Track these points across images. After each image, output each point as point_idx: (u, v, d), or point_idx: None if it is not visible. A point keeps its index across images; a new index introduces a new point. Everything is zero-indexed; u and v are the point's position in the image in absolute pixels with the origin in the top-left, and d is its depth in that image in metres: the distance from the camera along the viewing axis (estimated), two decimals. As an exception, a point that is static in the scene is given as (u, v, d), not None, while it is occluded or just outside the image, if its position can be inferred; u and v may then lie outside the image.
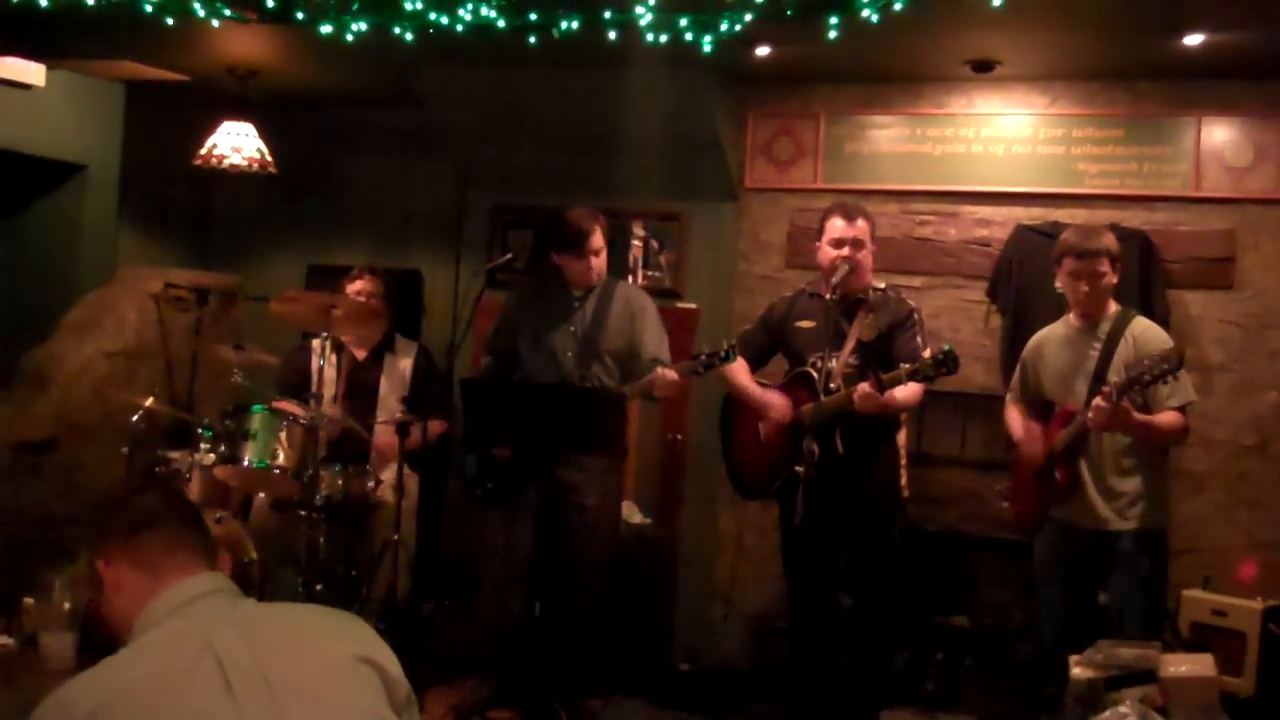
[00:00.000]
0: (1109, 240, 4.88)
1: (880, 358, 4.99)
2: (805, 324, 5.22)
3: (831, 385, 4.91)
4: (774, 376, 5.42)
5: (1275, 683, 5.11)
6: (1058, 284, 4.97)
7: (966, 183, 6.25)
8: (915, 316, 5.14)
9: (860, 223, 5.15)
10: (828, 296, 5.01)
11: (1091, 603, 4.90)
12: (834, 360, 4.98)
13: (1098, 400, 4.53)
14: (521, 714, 5.06)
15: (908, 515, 5.37)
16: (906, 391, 4.92)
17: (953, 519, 6.15)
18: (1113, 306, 4.89)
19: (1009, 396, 5.20)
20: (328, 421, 5.58)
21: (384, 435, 5.82)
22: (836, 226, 5.15)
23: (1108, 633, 4.51)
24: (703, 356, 5.03)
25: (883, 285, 5.28)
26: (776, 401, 5.12)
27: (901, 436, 5.29)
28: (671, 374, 5.08)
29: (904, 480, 5.25)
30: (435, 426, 5.84)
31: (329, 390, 5.81)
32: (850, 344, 5.07)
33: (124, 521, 2.26)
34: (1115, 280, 4.86)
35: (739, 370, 5.30)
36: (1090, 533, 4.75)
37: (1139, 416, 4.57)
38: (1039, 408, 5.02)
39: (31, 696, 1.98)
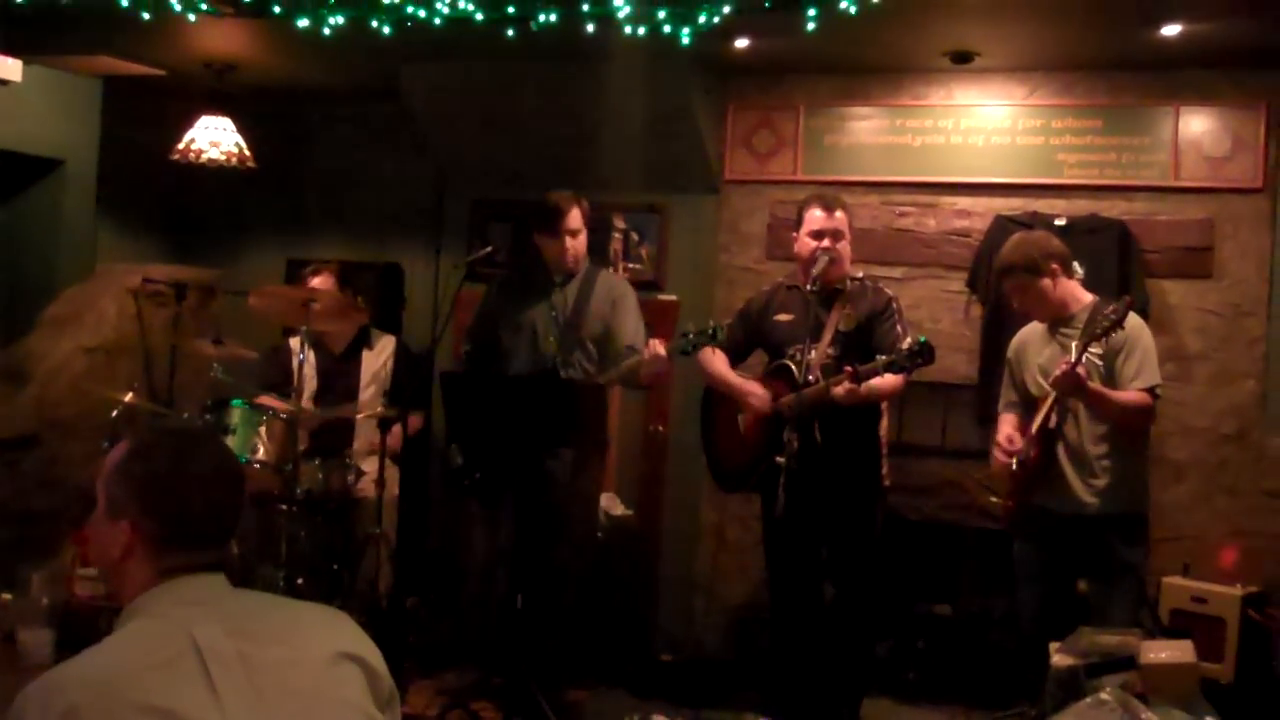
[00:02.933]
0: (1018, 253, 4.84)
1: (859, 348, 4.98)
2: (784, 317, 5.21)
3: (810, 377, 4.89)
4: (754, 370, 5.41)
5: (1254, 669, 5.15)
6: None
7: (946, 174, 6.26)
8: (894, 306, 5.12)
9: (839, 214, 5.12)
10: (807, 288, 4.98)
11: (1070, 590, 4.91)
12: (812, 352, 4.96)
13: (1062, 361, 4.56)
14: (504, 705, 5.05)
15: (889, 505, 5.38)
16: (885, 381, 4.90)
17: (934, 508, 6.16)
18: (1085, 297, 4.88)
19: (1001, 406, 5.18)
20: (309, 416, 5.57)
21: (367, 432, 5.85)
22: (816, 217, 5.12)
23: (1087, 620, 4.53)
24: (690, 335, 5.00)
25: (860, 275, 5.26)
26: (756, 391, 5.10)
27: (882, 426, 5.29)
28: (660, 349, 5.04)
29: (885, 470, 5.25)
30: (414, 421, 5.84)
31: (308, 386, 5.81)
32: (829, 335, 5.05)
33: (176, 523, 2.13)
34: (1051, 280, 4.80)
35: (717, 361, 5.28)
36: (1069, 519, 4.76)
37: (1094, 386, 4.59)
38: (1029, 406, 5.02)
39: (9, 692, 1.97)
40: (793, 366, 4.96)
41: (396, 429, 5.50)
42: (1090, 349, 4.60)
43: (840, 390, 4.76)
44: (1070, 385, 4.58)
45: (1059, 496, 4.78)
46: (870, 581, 5.17)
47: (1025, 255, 4.82)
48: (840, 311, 5.09)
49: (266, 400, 5.77)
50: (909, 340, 4.74)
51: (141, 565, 2.11)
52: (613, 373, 5.24)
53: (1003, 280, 4.90)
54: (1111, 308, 4.57)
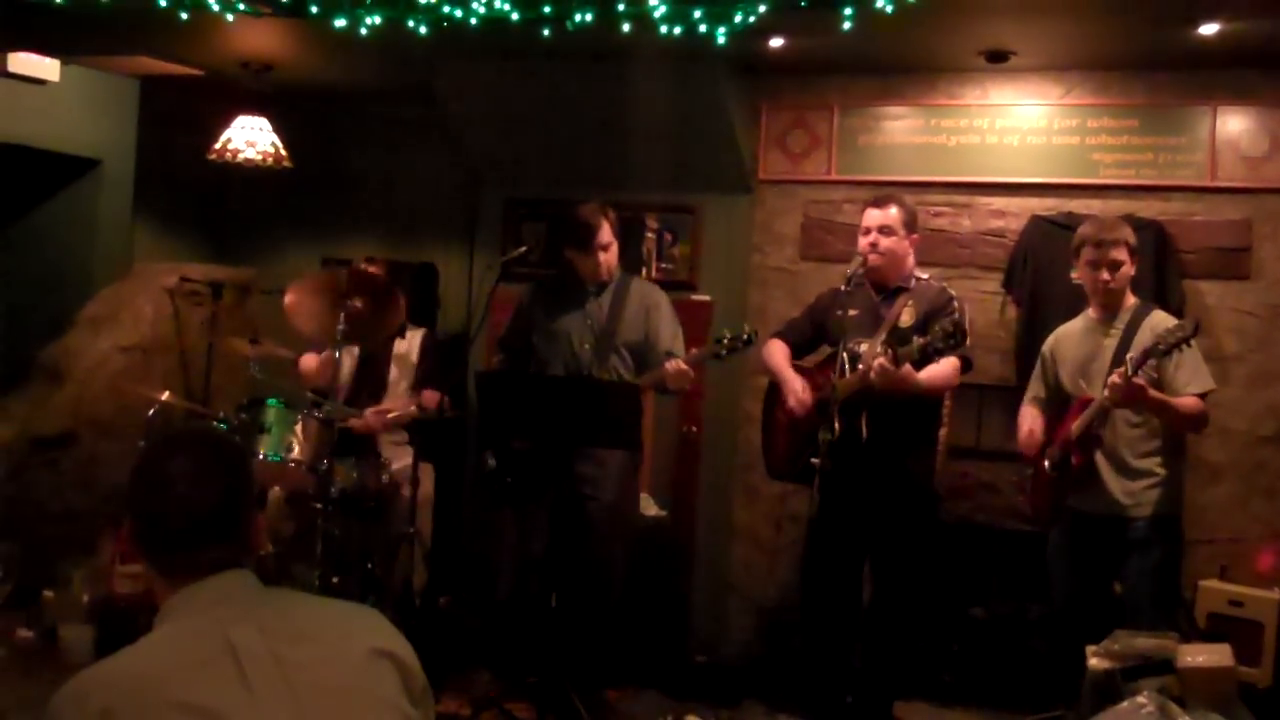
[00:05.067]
0: (1126, 230, 4.90)
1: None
2: (845, 312, 5.18)
3: (860, 366, 4.91)
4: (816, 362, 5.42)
5: (1292, 673, 5.11)
6: (1075, 275, 4.97)
7: (981, 174, 6.23)
8: (955, 305, 5.10)
9: (892, 210, 5.16)
10: (843, 288, 5.00)
11: (1106, 592, 4.89)
12: (864, 345, 4.99)
13: (1114, 375, 4.54)
14: (538, 706, 5.06)
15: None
16: (932, 371, 4.90)
17: (969, 510, 6.14)
18: (1131, 299, 4.90)
19: (1027, 397, 5.18)
20: (339, 412, 5.59)
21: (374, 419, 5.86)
22: (867, 215, 5.19)
23: (1123, 622, 4.51)
24: (724, 340, 5.05)
25: (925, 275, 5.27)
26: (796, 390, 5.12)
27: (941, 434, 5.28)
28: (681, 364, 5.09)
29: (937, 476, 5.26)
30: (430, 397, 5.81)
31: (343, 382, 5.82)
32: (885, 329, 5.05)
33: (149, 523, 2.13)
34: (1133, 271, 4.87)
35: (776, 352, 5.35)
36: (1105, 520, 4.75)
37: (1155, 394, 4.58)
38: (1058, 404, 5.01)
39: (51, 688, 1.98)
40: (843, 355, 4.96)
41: (430, 399, 5.62)
42: (1149, 363, 4.57)
43: (875, 368, 4.75)
44: (1130, 399, 4.57)
45: (1095, 498, 4.78)
46: (912, 586, 5.15)
47: (1133, 236, 4.90)
48: (902, 307, 5.08)
49: (305, 359, 5.94)
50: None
51: (147, 565, 2.14)
52: (641, 381, 5.28)
53: (1108, 248, 4.83)
54: (1179, 325, 4.53)
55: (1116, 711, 3.86)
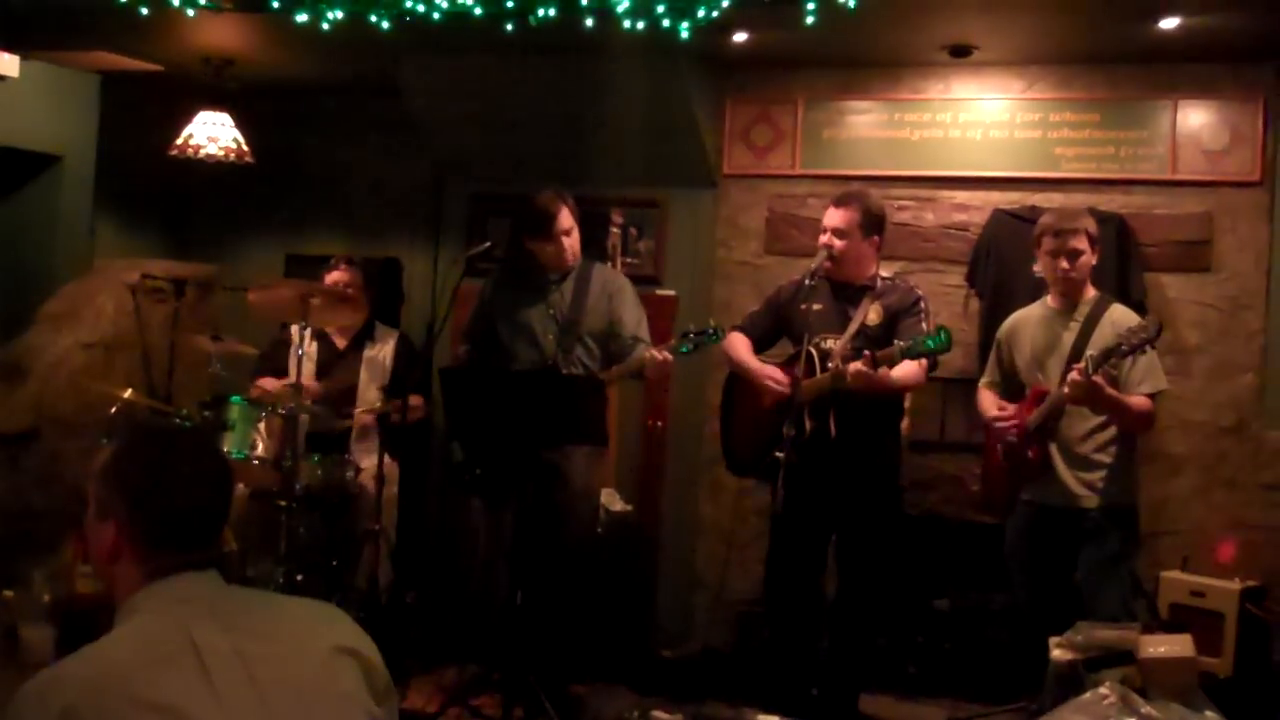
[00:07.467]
0: (1087, 220, 4.93)
1: (883, 343, 4.97)
2: (810, 307, 5.17)
3: (829, 365, 4.92)
4: (778, 360, 5.41)
5: (1253, 663, 5.16)
6: (1036, 267, 5.00)
7: (944, 168, 6.26)
8: (921, 305, 5.12)
9: (847, 210, 5.12)
10: (807, 281, 5.02)
11: (1065, 583, 4.92)
12: (833, 342, 5.00)
13: (1073, 373, 4.57)
14: (505, 701, 5.05)
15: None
16: (904, 371, 4.91)
17: (933, 502, 6.16)
18: (1091, 291, 4.93)
19: (982, 381, 5.22)
20: (308, 392, 5.58)
21: (363, 419, 5.86)
22: (826, 215, 5.18)
23: (1082, 612, 4.55)
24: (690, 335, 5.04)
25: (889, 274, 5.27)
26: (776, 375, 5.11)
27: (904, 425, 5.30)
28: (664, 354, 5.08)
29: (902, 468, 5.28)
30: (415, 400, 5.79)
31: (306, 378, 5.80)
32: (853, 328, 5.06)
33: (160, 524, 2.12)
34: (1094, 261, 4.89)
35: (740, 346, 5.31)
36: (1060, 511, 4.79)
37: (1111, 392, 4.61)
38: (1013, 390, 5.05)
39: (11, 689, 1.96)
40: (813, 352, 4.97)
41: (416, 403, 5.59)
42: (1110, 362, 4.60)
43: (851, 371, 4.76)
44: (1088, 398, 4.60)
45: (1049, 490, 4.82)
46: (877, 578, 5.17)
47: (1095, 226, 4.92)
48: (868, 306, 5.09)
49: (263, 383, 5.81)
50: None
51: (130, 565, 2.11)
52: (616, 370, 5.27)
53: (1067, 237, 4.85)
54: (1141, 325, 4.57)
55: (1079, 702, 3.89)
